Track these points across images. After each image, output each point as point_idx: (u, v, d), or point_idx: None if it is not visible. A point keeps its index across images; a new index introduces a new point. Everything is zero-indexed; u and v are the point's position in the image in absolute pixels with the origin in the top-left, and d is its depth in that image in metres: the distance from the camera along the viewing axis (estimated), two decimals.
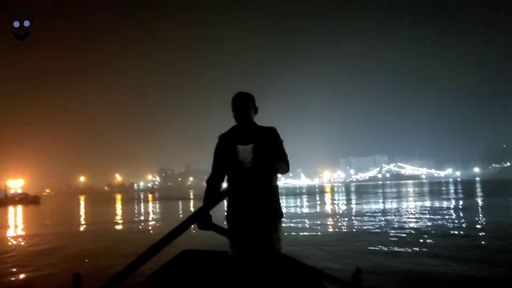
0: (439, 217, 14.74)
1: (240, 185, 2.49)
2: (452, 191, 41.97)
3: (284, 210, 2.60)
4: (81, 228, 16.60)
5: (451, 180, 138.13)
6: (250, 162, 2.47)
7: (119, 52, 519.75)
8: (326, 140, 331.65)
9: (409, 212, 17.31)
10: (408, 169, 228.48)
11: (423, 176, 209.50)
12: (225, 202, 2.57)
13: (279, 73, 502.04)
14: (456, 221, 13.37)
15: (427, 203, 23.08)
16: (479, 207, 19.55)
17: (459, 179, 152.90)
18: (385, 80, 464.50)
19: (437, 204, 22.27)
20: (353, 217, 15.88)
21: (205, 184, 2.62)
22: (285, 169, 2.53)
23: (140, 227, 15.78)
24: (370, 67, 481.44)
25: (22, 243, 11.89)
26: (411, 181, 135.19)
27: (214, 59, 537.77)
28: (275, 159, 2.48)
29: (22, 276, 7.03)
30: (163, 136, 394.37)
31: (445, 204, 22.25)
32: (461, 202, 23.34)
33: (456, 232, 10.69)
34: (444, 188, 50.10)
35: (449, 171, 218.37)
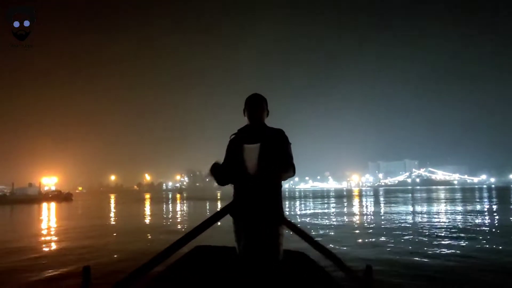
0: None
1: (245, 184, 2.52)
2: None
3: None
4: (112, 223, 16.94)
5: (485, 186, 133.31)
6: (255, 160, 2.51)
7: (150, 55, 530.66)
8: (355, 144, 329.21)
9: None
10: (440, 175, 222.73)
11: (455, 182, 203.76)
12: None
13: (313, 79, 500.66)
14: None
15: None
16: None
17: (493, 185, 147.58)
18: (418, 86, 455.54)
19: None
20: None
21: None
22: (290, 174, 2.53)
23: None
24: (403, 74, 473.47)
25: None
26: (442, 187, 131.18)
27: (242, 62, 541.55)
28: (280, 164, 2.49)
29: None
30: (192, 137, 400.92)
31: None
32: None
33: None
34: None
35: (483, 177, 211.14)
